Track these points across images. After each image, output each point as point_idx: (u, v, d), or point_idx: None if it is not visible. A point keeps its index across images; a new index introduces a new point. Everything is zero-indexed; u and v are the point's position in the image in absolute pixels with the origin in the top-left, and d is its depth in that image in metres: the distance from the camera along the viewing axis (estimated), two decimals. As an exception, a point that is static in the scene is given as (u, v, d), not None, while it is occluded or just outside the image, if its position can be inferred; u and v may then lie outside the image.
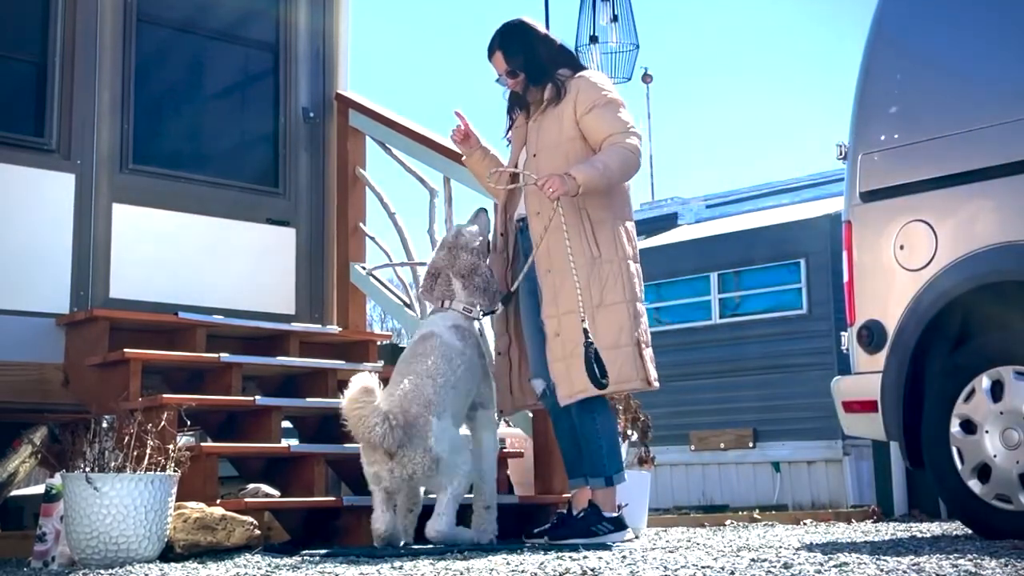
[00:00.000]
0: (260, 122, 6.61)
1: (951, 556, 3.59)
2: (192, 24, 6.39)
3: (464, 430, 4.87)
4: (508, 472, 5.77)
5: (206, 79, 6.59)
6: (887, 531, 6.10)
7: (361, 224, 6.76)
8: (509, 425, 6.03)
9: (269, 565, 4.01)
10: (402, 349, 6.34)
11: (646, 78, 17.96)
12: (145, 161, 6.05)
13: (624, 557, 3.77)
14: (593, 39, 10.83)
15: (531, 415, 5.77)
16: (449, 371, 4.62)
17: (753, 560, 3.47)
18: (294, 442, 5.60)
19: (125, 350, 5.32)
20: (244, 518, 4.52)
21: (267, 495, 5.25)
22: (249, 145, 6.65)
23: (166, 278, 5.99)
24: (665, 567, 3.33)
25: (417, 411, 4.45)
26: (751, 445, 12.66)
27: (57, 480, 4.49)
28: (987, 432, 4.61)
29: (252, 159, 6.61)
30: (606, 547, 4.35)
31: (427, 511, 4.66)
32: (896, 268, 4.96)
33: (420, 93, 50.48)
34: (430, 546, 4.49)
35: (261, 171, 6.56)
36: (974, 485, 4.64)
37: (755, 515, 8.77)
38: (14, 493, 7.54)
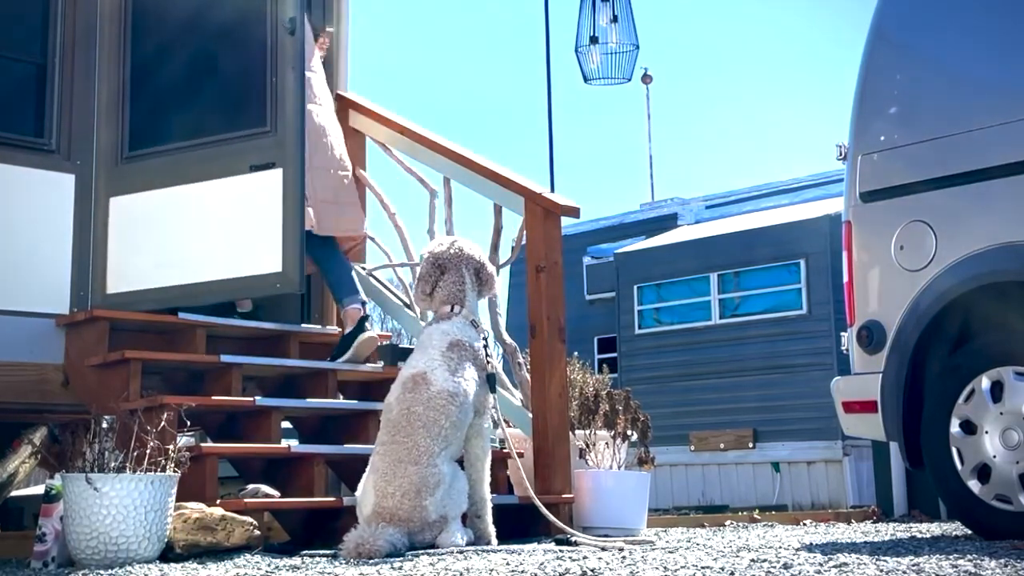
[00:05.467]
0: (246, 61, 5.89)
1: (951, 556, 3.59)
2: (191, 23, 6.25)
3: None
4: (508, 472, 5.77)
5: (200, 66, 6.28)
6: (887, 531, 6.10)
7: (361, 224, 6.75)
8: (510, 425, 6.03)
9: (269, 565, 4.01)
10: (402, 350, 6.35)
11: (646, 78, 17.99)
12: (137, 147, 5.92)
13: (624, 557, 3.77)
14: (593, 40, 10.83)
15: (531, 415, 5.78)
16: (441, 426, 4.52)
17: (753, 560, 3.47)
18: (294, 442, 5.60)
19: (125, 351, 5.32)
20: (244, 518, 4.52)
21: (267, 495, 5.24)
22: (234, 89, 5.97)
23: (159, 262, 5.79)
24: (665, 567, 3.33)
25: (412, 503, 4.40)
26: (751, 445, 12.67)
27: (57, 480, 4.49)
28: (987, 432, 4.61)
29: (237, 103, 5.91)
30: (604, 548, 4.35)
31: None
32: (896, 268, 4.96)
33: (420, 94, 50.52)
34: (430, 547, 4.49)
35: (246, 112, 5.80)
36: (974, 485, 4.64)
37: (755, 515, 8.76)
38: (14, 493, 7.54)
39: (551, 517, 4.83)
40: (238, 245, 5.65)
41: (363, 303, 6.08)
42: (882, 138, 5.14)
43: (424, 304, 4.93)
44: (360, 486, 4.58)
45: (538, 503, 4.83)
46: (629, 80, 11.08)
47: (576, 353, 6.54)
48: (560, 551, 4.27)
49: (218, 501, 4.78)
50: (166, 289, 5.72)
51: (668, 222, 14.79)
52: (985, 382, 4.64)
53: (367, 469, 4.58)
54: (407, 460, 4.44)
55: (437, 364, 4.62)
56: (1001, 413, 4.58)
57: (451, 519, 4.51)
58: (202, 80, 6.03)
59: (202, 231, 5.75)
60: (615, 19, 10.84)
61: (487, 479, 4.81)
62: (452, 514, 4.51)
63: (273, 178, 5.57)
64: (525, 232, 5.98)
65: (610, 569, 3.33)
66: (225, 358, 5.50)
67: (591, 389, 6.19)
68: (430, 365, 4.62)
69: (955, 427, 4.72)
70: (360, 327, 5.93)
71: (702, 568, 3.28)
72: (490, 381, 4.77)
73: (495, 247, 6.19)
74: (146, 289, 5.73)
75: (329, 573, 3.67)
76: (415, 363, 4.67)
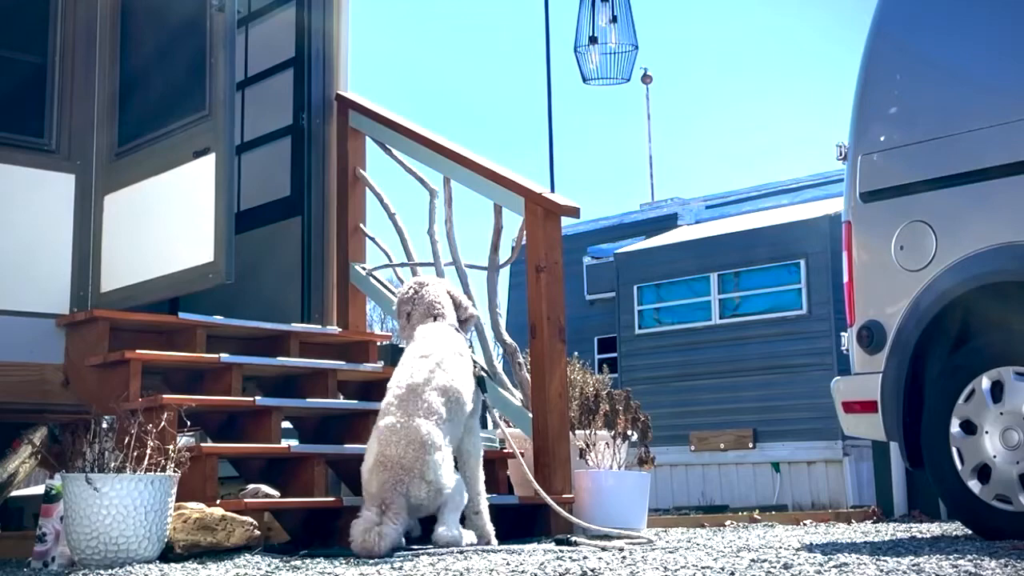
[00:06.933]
0: (197, 48, 5.67)
1: (951, 556, 3.59)
2: (166, 16, 6.09)
3: None
4: (508, 472, 5.77)
5: (169, 57, 6.00)
6: (887, 531, 6.10)
7: (361, 224, 6.77)
8: (510, 425, 6.03)
9: (269, 565, 4.01)
10: (401, 350, 6.35)
11: (646, 78, 18.02)
12: (122, 143, 5.90)
13: (624, 557, 3.77)
14: (592, 40, 10.83)
15: (531, 415, 5.78)
16: (446, 408, 4.62)
17: (753, 560, 3.47)
18: (294, 442, 5.60)
19: (125, 351, 5.32)
20: (244, 518, 4.52)
21: (267, 495, 5.25)
22: (190, 77, 5.74)
23: (129, 259, 5.75)
24: (665, 567, 3.33)
25: (415, 454, 4.43)
26: (751, 445, 12.67)
27: (57, 481, 4.49)
28: (987, 433, 4.61)
29: (187, 90, 5.72)
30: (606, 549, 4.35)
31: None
32: (896, 268, 4.96)
33: (420, 94, 50.53)
34: (430, 546, 4.50)
35: (193, 98, 5.62)
36: (974, 486, 4.64)
37: (755, 515, 8.77)
38: (14, 493, 7.54)
39: (557, 507, 4.87)
40: (181, 238, 5.56)
41: None
42: (882, 138, 5.14)
43: (407, 333, 5.04)
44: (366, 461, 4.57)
45: (542, 494, 4.87)
46: (628, 80, 11.09)
47: (576, 353, 6.54)
48: (560, 551, 4.27)
49: (218, 501, 4.78)
50: (131, 287, 5.70)
51: (668, 222, 14.79)
52: (985, 382, 4.64)
53: (370, 441, 4.59)
54: (415, 414, 4.49)
55: (442, 353, 4.72)
56: (1001, 413, 4.58)
57: (449, 508, 4.51)
58: (169, 71, 5.96)
59: (157, 225, 5.70)
60: (614, 19, 10.84)
61: (481, 476, 4.87)
62: (451, 502, 4.51)
63: (208, 164, 5.45)
64: (525, 232, 5.98)
65: (610, 569, 3.33)
66: (225, 358, 5.50)
67: (591, 389, 6.19)
68: (435, 353, 4.72)
69: (955, 427, 4.72)
70: None
71: (702, 568, 3.28)
72: (480, 383, 4.91)
73: (495, 247, 6.19)
74: (122, 287, 5.73)
75: (329, 573, 3.67)
76: (421, 347, 4.78)
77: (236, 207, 5.91)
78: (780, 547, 4.46)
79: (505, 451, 5.77)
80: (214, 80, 5.48)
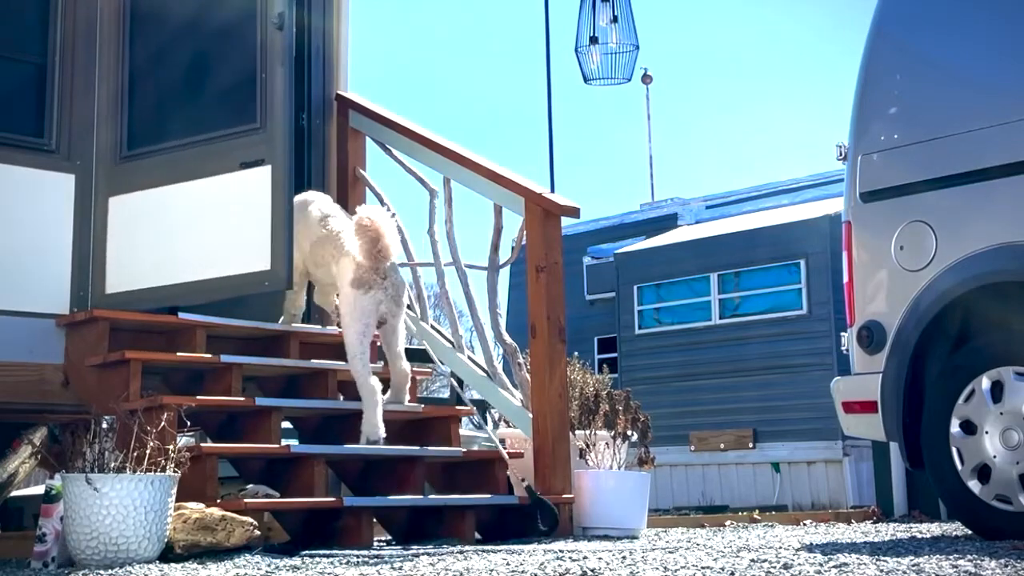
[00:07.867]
0: (239, 58, 5.83)
1: (951, 557, 3.59)
2: (185, 21, 6.16)
3: None
4: (508, 472, 5.77)
5: (194, 64, 6.08)
6: (887, 532, 6.10)
7: (361, 224, 6.75)
8: (509, 425, 6.03)
9: (269, 566, 4.01)
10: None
11: (646, 79, 17.99)
12: (134, 146, 5.91)
13: (624, 557, 3.77)
14: (593, 40, 10.82)
15: (531, 415, 5.78)
16: None
17: (753, 561, 3.47)
18: (294, 442, 5.60)
19: (125, 351, 5.32)
20: (244, 519, 4.52)
21: (267, 495, 5.24)
22: (227, 86, 5.91)
23: (153, 261, 5.75)
24: (665, 567, 3.34)
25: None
26: (751, 446, 12.67)
27: (57, 481, 4.49)
28: (987, 433, 4.61)
29: (229, 100, 5.87)
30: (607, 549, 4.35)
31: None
32: (896, 268, 4.96)
33: (420, 94, 50.48)
34: (429, 546, 4.50)
35: (238, 109, 5.77)
36: (974, 486, 4.64)
37: (755, 516, 8.77)
38: (14, 494, 7.53)
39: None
40: (229, 243, 5.62)
41: None
42: (882, 138, 5.14)
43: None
44: None
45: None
46: (629, 80, 11.07)
47: (576, 353, 6.54)
48: (560, 551, 4.27)
49: (218, 501, 4.78)
50: (158, 289, 5.70)
51: (668, 222, 14.78)
52: (985, 382, 4.64)
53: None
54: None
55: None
56: (1001, 413, 4.58)
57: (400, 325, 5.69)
58: (196, 78, 5.99)
59: (195, 230, 5.72)
60: (615, 19, 10.83)
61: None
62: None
63: (262, 175, 5.55)
64: (525, 232, 5.98)
65: (610, 569, 3.33)
66: (225, 358, 5.50)
67: (591, 389, 6.19)
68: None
69: (955, 427, 4.72)
70: None
71: (702, 568, 3.28)
72: None
73: (495, 247, 6.19)
74: (141, 289, 5.72)
75: (329, 573, 3.67)
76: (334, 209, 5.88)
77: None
78: (780, 547, 4.46)
79: (506, 451, 5.75)
80: (270, 95, 5.61)
